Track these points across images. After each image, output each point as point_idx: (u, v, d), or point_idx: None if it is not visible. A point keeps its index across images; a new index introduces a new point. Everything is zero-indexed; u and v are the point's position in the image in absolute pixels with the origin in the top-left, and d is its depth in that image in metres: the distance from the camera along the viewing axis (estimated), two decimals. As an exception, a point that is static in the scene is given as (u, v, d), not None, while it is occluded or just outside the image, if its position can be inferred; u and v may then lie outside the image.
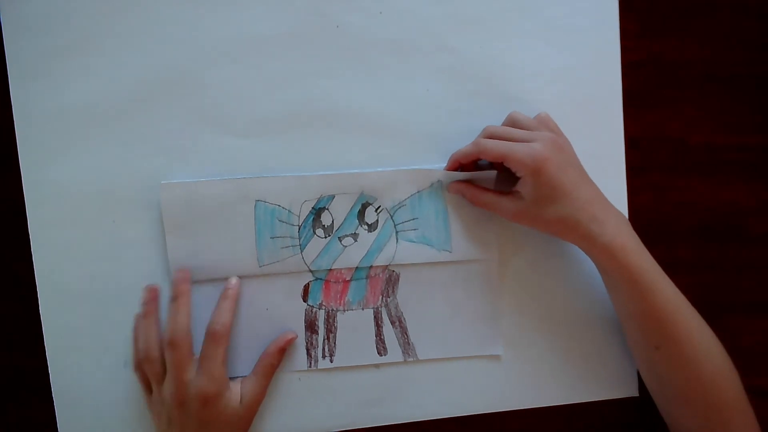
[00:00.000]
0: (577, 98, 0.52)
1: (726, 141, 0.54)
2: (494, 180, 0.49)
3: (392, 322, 0.51)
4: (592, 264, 0.47)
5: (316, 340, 0.50)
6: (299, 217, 0.49)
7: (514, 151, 0.44)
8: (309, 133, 0.50)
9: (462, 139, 0.50)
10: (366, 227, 0.49)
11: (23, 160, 0.48)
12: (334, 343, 0.50)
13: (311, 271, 0.50)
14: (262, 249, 0.49)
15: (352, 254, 0.50)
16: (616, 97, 0.52)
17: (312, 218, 0.49)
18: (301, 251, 0.49)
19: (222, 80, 0.49)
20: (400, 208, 0.50)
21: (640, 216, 0.53)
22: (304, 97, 0.50)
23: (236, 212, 0.48)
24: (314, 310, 0.50)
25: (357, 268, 0.50)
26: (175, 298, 0.46)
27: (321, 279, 0.50)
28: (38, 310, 0.48)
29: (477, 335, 0.51)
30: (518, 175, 0.45)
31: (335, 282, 0.50)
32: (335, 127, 0.50)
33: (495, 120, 0.50)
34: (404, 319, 0.51)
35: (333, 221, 0.49)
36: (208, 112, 0.49)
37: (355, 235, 0.49)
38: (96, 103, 0.48)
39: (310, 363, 0.50)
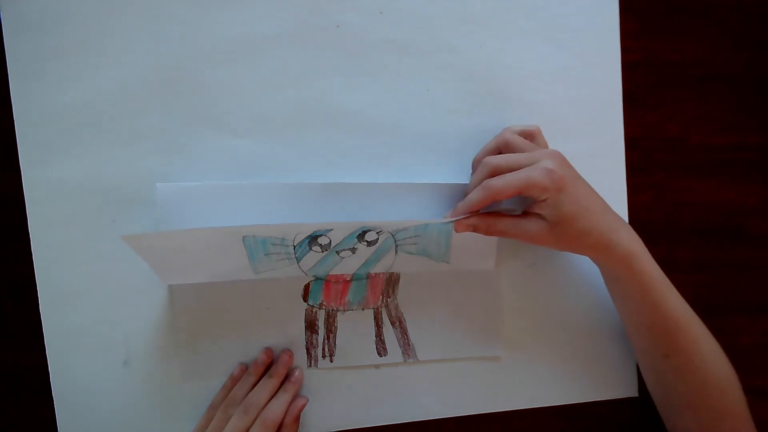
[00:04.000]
0: (577, 98, 0.52)
1: (726, 141, 0.54)
2: (516, 208, 0.46)
3: (392, 323, 0.51)
4: (592, 264, 0.47)
5: (316, 339, 0.50)
6: (293, 241, 0.46)
7: (532, 179, 0.41)
8: (309, 133, 0.50)
9: (462, 139, 0.50)
10: (365, 243, 0.47)
11: (23, 160, 0.48)
12: (334, 343, 0.50)
13: (307, 275, 0.49)
14: (256, 263, 0.47)
15: (349, 264, 0.49)
16: (616, 97, 0.52)
17: (308, 241, 0.46)
18: (298, 263, 0.48)
19: (222, 80, 0.49)
20: (403, 230, 0.47)
21: (640, 216, 0.53)
22: (304, 97, 0.49)
23: (224, 245, 0.45)
24: (314, 309, 0.50)
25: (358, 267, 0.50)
26: (287, 380, 0.49)
27: (321, 279, 0.50)
28: (38, 310, 0.48)
29: (477, 337, 0.51)
30: (540, 199, 0.42)
31: (335, 282, 0.50)
32: (335, 127, 0.50)
33: (494, 120, 0.50)
34: (404, 319, 0.51)
35: (330, 242, 0.46)
36: (208, 112, 0.49)
37: (353, 249, 0.47)
38: (96, 102, 0.48)
39: (310, 362, 0.50)
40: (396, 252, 0.49)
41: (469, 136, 0.50)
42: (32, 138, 0.48)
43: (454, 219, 0.44)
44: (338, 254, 0.48)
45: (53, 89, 0.48)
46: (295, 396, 0.49)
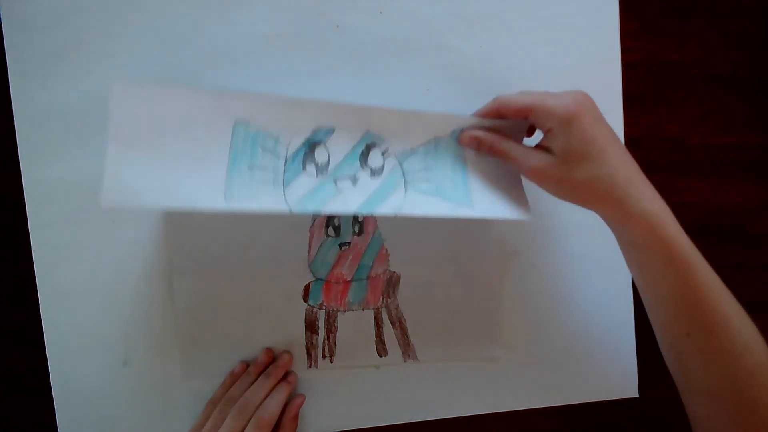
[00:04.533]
0: (577, 98, 0.52)
1: (726, 141, 0.54)
2: (524, 132, 0.44)
3: (392, 323, 0.51)
4: (593, 264, 0.47)
5: (317, 340, 0.50)
6: (288, 147, 0.41)
7: (543, 101, 0.38)
8: (309, 133, 0.50)
9: (462, 139, 0.50)
10: (369, 171, 0.42)
11: (23, 160, 0.48)
12: (335, 343, 0.50)
13: (292, 213, 0.40)
14: (234, 179, 0.39)
15: (348, 198, 0.41)
16: (616, 97, 0.52)
17: (304, 152, 0.41)
18: (284, 188, 0.40)
19: (222, 80, 0.49)
20: (411, 154, 0.43)
21: (640, 216, 0.53)
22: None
23: (208, 130, 0.39)
24: (315, 310, 0.50)
25: (358, 267, 0.50)
26: (284, 379, 0.49)
27: (321, 279, 0.50)
28: (38, 310, 0.48)
29: (477, 338, 0.51)
30: (546, 127, 0.39)
31: (336, 282, 0.50)
32: (335, 127, 0.50)
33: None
34: (404, 320, 0.51)
35: (329, 159, 0.41)
36: (208, 112, 0.49)
37: (354, 179, 0.42)
38: (96, 102, 0.48)
39: (311, 363, 0.50)
40: (406, 190, 0.43)
41: (469, 136, 0.49)
42: (32, 138, 0.48)
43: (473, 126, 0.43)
44: (336, 184, 0.41)
45: (53, 89, 0.48)
46: (290, 396, 0.48)
